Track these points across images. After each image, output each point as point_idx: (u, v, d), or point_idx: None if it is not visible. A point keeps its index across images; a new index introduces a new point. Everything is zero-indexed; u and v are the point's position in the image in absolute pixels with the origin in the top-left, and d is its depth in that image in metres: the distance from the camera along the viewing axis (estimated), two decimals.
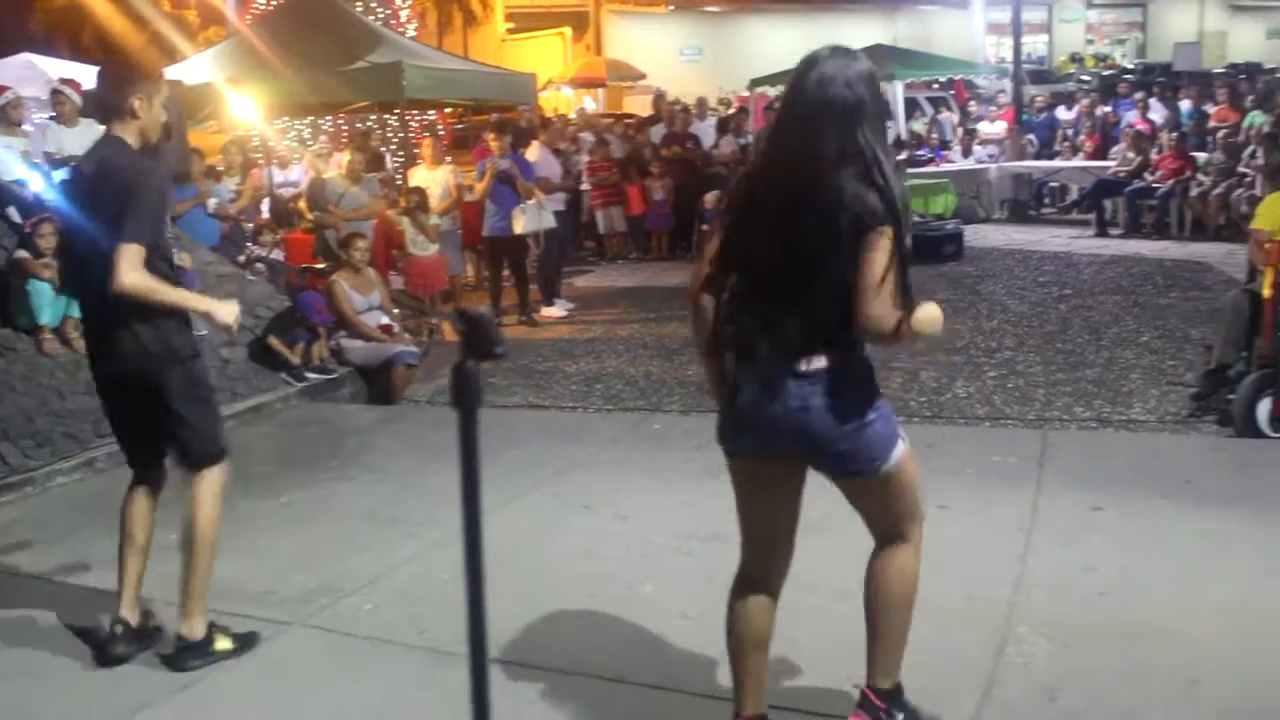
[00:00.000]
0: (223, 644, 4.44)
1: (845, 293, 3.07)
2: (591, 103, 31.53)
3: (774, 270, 3.18)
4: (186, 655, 4.37)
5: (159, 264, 4.27)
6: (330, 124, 18.36)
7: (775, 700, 3.73)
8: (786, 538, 3.47)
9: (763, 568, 3.47)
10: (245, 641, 4.52)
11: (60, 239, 7.48)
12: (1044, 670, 4.07)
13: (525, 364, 10.34)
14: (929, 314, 3.06)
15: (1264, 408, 6.98)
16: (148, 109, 4.36)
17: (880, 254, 3.05)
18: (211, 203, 11.39)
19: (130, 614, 4.49)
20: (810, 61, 3.19)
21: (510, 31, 36.65)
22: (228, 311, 4.42)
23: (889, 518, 3.39)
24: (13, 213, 8.89)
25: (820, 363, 3.15)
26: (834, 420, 3.16)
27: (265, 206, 13.89)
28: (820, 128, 3.11)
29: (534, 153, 13.01)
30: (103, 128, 4.44)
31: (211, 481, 4.42)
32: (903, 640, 3.43)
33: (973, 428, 7.60)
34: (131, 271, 4.10)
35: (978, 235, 16.79)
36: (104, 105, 4.45)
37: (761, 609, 3.48)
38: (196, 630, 4.39)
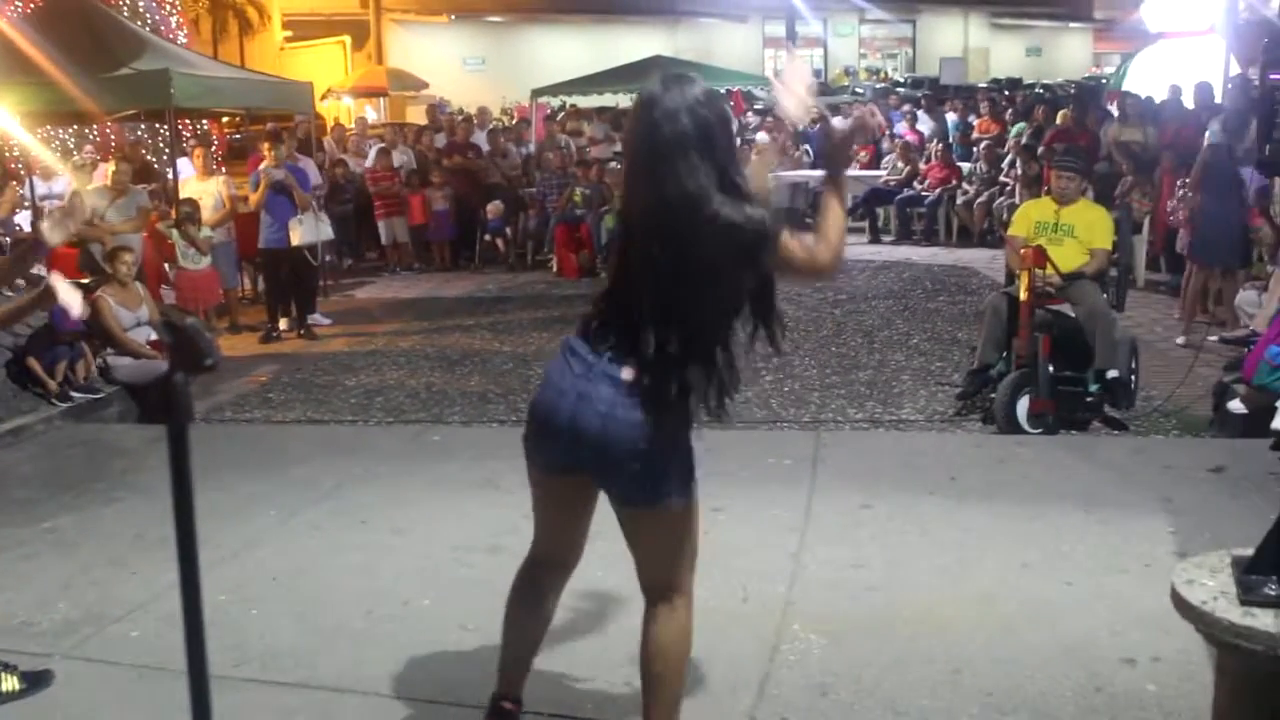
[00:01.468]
0: (9, 684, 4.13)
1: (705, 320, 3.07)
2: (373, 112, 31.09)
3: (642, 293, 3.09)
4: None
5: None
6: (97, 133, 17.63)
7: (554, 707, 3.74)
8: (579, 538, 3.45)
9: (553, 553, 3.46)
10: (36, 681, 4.21)
11: None
12: (817, 665, 4.18)
13: (304, 378, 10.12)
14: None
15: (1023, 405, 7.32)
16: None
17: (792, 246, 3.12)
18: None
19: None
20: (650, 101, 3.08)
21: (289, 40, 35.86)
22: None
23: (666, 559, 3.28)
24: None
25: (643, 379, 3.08)
26: (635, 436, 3.08)
27: (26, 220, 13.25)
28: (682, 162, 3.02)
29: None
30: None
31: None
32: (679, 697, 3.35)
33: (750, 431, 7.70)
34: None
35: None
36: None
37: (550, 591, 3.48)
38: None
